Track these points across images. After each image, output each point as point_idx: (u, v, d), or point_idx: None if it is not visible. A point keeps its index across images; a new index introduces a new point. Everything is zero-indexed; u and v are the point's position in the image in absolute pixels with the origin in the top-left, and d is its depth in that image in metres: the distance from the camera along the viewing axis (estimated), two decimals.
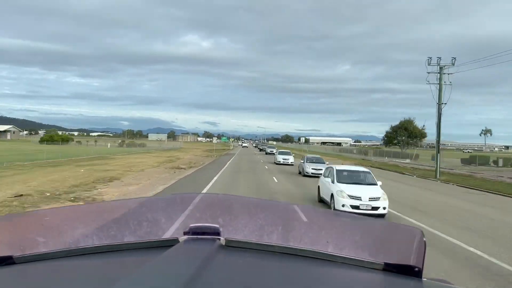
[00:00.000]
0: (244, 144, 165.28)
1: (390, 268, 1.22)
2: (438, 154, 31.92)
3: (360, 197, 11.92)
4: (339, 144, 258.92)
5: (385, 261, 1.24)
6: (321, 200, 14.37)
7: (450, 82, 30.96)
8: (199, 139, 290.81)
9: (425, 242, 1.30)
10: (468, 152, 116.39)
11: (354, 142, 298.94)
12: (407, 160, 57.01)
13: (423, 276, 1.22)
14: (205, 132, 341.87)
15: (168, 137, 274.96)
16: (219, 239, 1.25)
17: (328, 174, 14.29)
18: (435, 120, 31.77)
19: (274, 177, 24.46)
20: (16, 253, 1.24)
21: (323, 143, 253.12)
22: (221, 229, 1.29)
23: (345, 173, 13.69)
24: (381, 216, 11.56)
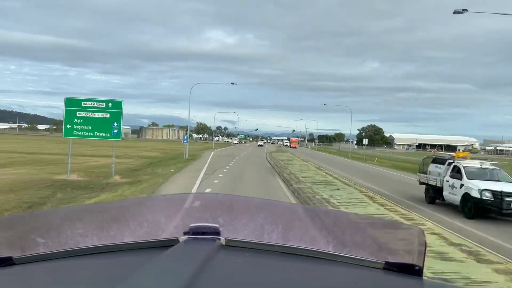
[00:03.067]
0: (260, 143, 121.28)
1: (391, 267, 1.22)
2: None
3: None
4: (449, 147, 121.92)
5: (386, 260, 1.24)
6: None
7: None
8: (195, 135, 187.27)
9: (425, 240, 1.30)
10: None
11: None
12: None
13: (423, 275, 1.22)
14: (200, 123, 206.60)
15: (133, 133, 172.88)
16: (219, 239, 1.25)
17: None
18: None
19: None
20: (16, 254, 1.24)
21: (421, 145, 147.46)
22: (221, 229, 1.29)
23: None
24: None
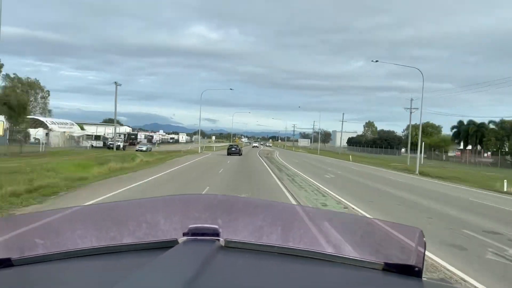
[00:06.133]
0: (254, 144, 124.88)
1: (390, 268, 1.22)
2: None
3: None
4: None
5: (385, 261, 1.23)
6: None
7: None
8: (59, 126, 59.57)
9: (425, 241, 1.30)
10: None
11: None
12: None
13: (423, 276, 1.22)
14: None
15: None
16: (219, 240, 1.25)
17: None
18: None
19: None
20: (14, 255, 1.24)
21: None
22: (220, 230, 1.29)
23: None
24: None
